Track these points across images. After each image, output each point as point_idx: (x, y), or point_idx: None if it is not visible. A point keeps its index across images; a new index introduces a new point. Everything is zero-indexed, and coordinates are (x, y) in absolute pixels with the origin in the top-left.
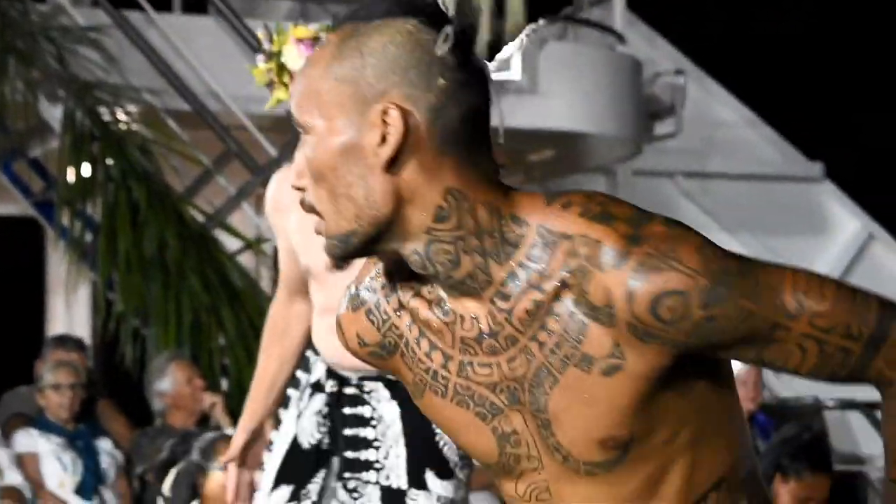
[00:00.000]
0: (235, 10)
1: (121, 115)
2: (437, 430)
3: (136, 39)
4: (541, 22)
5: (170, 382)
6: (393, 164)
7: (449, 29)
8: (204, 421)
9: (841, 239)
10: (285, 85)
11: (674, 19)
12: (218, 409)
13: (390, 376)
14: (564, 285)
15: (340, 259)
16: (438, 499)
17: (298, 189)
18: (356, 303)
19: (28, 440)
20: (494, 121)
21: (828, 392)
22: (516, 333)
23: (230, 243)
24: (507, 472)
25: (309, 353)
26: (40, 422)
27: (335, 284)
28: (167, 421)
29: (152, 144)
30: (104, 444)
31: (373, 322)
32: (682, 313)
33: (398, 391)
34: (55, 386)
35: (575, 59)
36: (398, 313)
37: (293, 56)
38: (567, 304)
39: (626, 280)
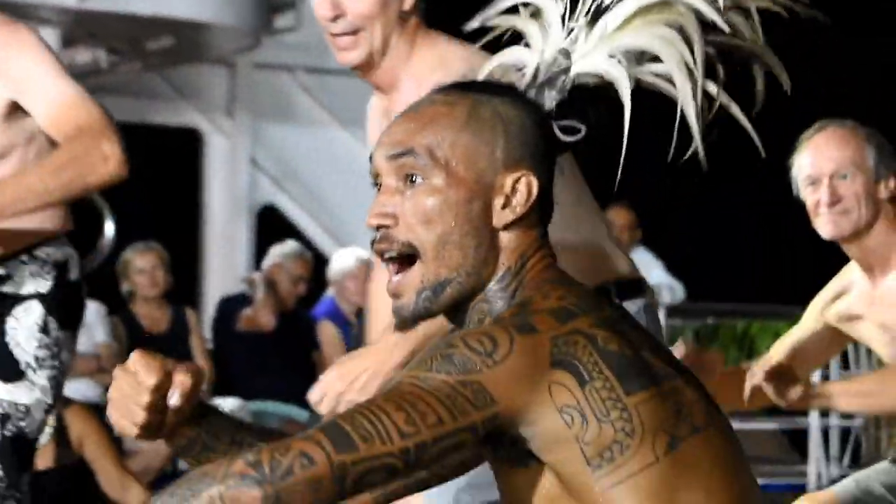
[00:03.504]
0: None
1: None
2: (9, 330)
3: None
4: None
5: None
6: (508, 226)
7: (570, 121)
8: None
9: None
10: None
11: None
12: None
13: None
14: None
15: (412, 321)
16: None
17: (381, 226)
18: None
19: None
20: None
21: None
22: None
23: None
24: None
25: None
26: None
27: None
28: None
29: None
30: None
31: None
32: None
33: None
34: None
35: None
36: None
37: None
38: None
39: None
